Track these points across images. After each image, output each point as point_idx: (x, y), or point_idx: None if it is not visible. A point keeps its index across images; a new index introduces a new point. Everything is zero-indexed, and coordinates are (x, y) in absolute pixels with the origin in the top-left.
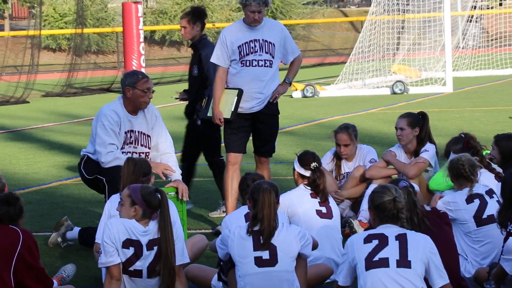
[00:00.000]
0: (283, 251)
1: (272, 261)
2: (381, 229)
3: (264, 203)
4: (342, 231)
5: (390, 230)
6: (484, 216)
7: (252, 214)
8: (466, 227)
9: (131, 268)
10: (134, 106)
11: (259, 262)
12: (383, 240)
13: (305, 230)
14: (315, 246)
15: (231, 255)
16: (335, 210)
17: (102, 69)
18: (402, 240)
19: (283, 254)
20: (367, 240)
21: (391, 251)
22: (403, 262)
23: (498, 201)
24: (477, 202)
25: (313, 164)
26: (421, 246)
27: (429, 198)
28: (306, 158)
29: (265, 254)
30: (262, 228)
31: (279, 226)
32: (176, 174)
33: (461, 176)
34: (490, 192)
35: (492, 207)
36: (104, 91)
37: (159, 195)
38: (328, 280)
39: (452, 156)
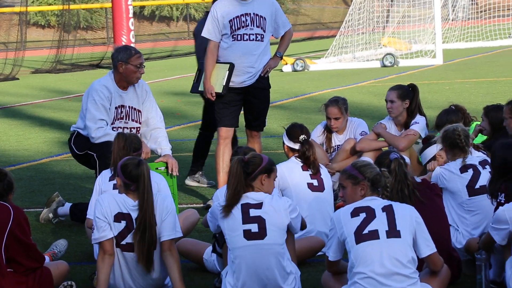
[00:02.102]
0: (272, 224)
1: (261, 234)
2: (366, 201)
3: (230, 171)
4: (334, 204)
5: (376, 203)
6: (477, 186)
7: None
8: (458, 197)
9: (123, 242)
10: (126, 81)
11: (248, 235)
12: (370, 213)
13: (296, 206)
14: (303, 227)
15: (221, 228)
16: (328, 182)
17: (91, 45)
18: (389, 211)
19: (272, 226)
20: (354, 214)
21: (380, 223)
22: (393, 232)
23: (490, 172)
24: (470, 172)
25: (302, 137)
26: (407, 216)
27: (420, 170)
28: (294, 131)
29: (254, 227)
30: (227, 196)
31: (268, 199)
32: (166, 148)
33: (456, 146)
34: (483, 163)
35: (485, 178)
36: (94, 67)
37: (139, 167)
38: (319, 253)
39: (425, 154)
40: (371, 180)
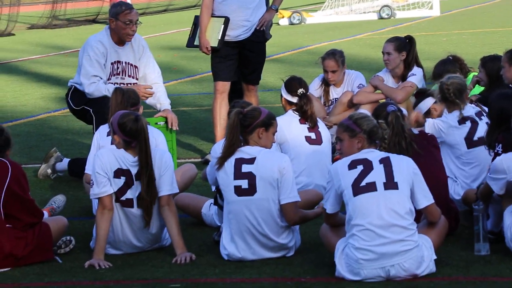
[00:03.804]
0: (262, 179)
1: (251, 190)
2: (363, 154)
3: (228, 123)
4: (332, 157)
5: (373, 155)
6: (475, 138)
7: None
8: (456, 149)
9: (123, 198)
10: (118, 37)
11: (238, 191)
12: (367, 165)
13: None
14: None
15: (218, 181)
16: (326, 135)
17: (86, 0)
18: (386, 163)
19: (262, 182)
20: (352, 166)
21: (377, 175)
22: (390, 184)
23: (487, 123)
24: (468, 124)
25: (300, 90)
26: (405, 167)
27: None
28: (292, 84)
29: (244, 183)
30: (223, 147)
31: (262, 153)
32: (165, 103)
33: (446, 100)
34: (479, 114)
35: (482, 129)
36: (90, 22)
37: (138, 123)
38: (317, 206)
39: (421, 106)
40: (368, 132)
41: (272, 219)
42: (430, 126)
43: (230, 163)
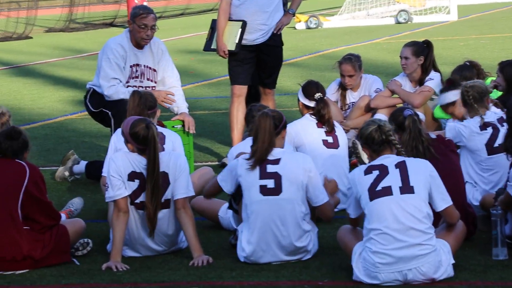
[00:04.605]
0: (288, 180)
1: (277, 190)
2: (380, 160)
3: (259, 126)
4: (349, 161)
5: (389, 160)
6: (496, 144)
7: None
8: (476, 155)
9: (137, 201)
10: (136, 40)
11: (264, 190)
12: (383, 170)
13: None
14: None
15: (240, 182)
16: (343, 139)
17: (103, 4)
18: (402, 167)
19: (287, 182)
20: (368, 171)
21: (393, 179)
22: (406, 188)
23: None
24: (489, 130)
25: (317, 95)
26: (422, 171)
27: (434, 126)
28: (310, 89)
29: (270, 183)
30: (255, 149)
31: (286, 155)
32: (183, 107)
33: (466, 104)
34: (501, 120)
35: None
36: (107, 26)
37: (148, 131)
38: (335, 210)
39: (443, 96)
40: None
41: (295, 221)
42: (451, 129)
43: (251, 165)
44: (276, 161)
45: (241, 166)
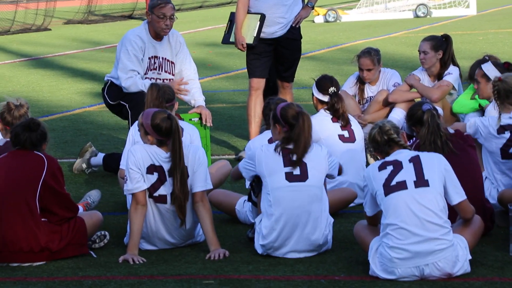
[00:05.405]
0: (313, 168)
1: (303, 176)
2: (394, 155)
3: (303, 126)
4: (366, 156)
5: (403, 155)
6: (511, 150)
7: (285, 136)
8: (492, 157)
9: (156, 194)
10: (155, 32)
11: (289, 176)
12: (397, 165)
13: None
14: (340, 171)
15: (259, 171)
16: (359, 133)
17: None
18: (416, 161)
19: (313, 170)
20: (382, 167)
21: (407, 174)
22: (421, 182)
23: None
24: (507, 134)
25: (331, 89)
26: (436, 164)
27: (453, 121)
28: (324, 83)
29: (296, 170)
30: (296, 149)
31: (309, 146)
32: (200, 99)
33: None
34: None
35: None
36: (126, 18)
37: (171, 122)
38: (352, 204)
39: (488, 65)
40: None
41: (319, 208)
42: (472, 126)
43: (277, 153)
44: None
45: (262, 153)
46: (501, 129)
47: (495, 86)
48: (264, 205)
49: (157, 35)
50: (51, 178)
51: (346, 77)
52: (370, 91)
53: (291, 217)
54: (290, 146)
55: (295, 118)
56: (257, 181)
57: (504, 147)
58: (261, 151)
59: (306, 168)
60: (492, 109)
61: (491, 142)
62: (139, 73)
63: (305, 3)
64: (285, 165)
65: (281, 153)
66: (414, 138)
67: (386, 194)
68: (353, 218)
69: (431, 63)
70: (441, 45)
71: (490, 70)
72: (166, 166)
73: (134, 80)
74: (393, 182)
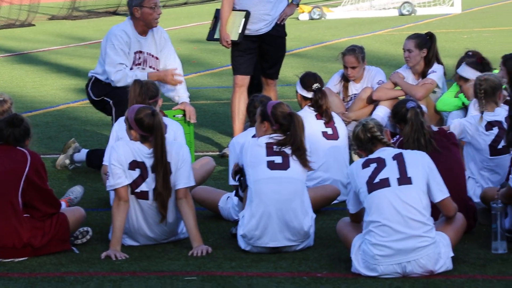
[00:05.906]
0: (294, 161)
1: (284, 164)
2: (377, 153)
3: (297, 126)
4: (349, 153)
5: (386, 153)
6: (499, 146)
7: (281, 140)
8: (480, 154)
9: (138, 190)
10: (145, 25)
11: (271, 165)
12: (381, 162)
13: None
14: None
15: (243, 163)
16: (342, 130)
17: None
18: (399, 159)
19: (294, 162)
20: (365, 165)
21: (390, 171)
22: (404, 179)
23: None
24: (495, 130)
25: (315, 85)
26: (419, 162)
27: (437, 118)
28: (307, 80)
29: (278, 159)
30: (295, 148)
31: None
32: (184, 96)
33: (476, 96)
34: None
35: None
36: (110, 14)
37: (155, 118)
38: (335, 201)
39: (464, 67)
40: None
41: (300, 198)
42: (457, 127)
43: (260, 145)
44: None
45: (247, 145)
46: (489, 125)
47: (481, 86)
48: (247, 196)
49: (143, 30)
50: (34, 174)
51: (331, 74)
52: (354, 88)
53: (274, 210)
54: (287, 148)
55: (287, 118)
56: (244, 177)
57: (492, 143)
58: (247, 147)
59: (288, 158)
60: (473, 108)
61: (479, 139)
62: (127, 66)
63: (290, 0)
64: (267, 154)
65: (265, 146)
66: (397, 136)
67: (369, 191)
68: (336, 215)
69: (415, 61)
70: (426, 43)
71: (467, 71)
72: (149, 162)
73: (124, 73)
74: (377, 180)
